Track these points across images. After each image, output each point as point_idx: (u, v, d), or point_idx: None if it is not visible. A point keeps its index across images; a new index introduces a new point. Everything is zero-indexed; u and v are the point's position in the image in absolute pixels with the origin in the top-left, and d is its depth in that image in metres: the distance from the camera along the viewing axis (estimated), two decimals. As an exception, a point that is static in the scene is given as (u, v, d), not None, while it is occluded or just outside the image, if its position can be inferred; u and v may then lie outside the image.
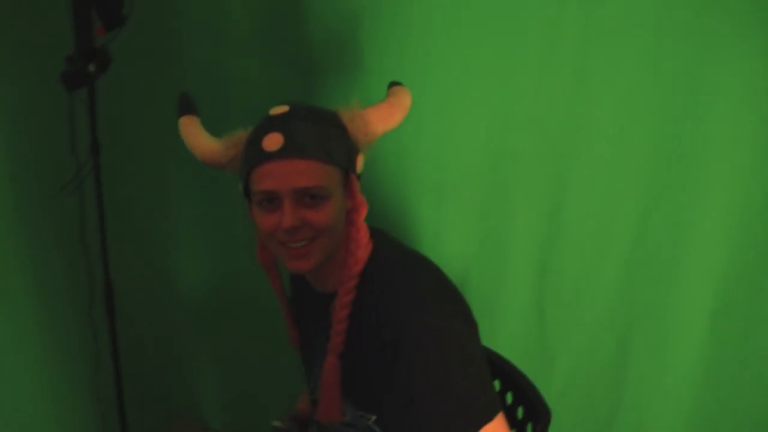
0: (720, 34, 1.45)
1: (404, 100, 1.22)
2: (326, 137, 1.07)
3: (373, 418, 1.15)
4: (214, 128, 1.92)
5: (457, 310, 1.12)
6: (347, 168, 1.11)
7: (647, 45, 1.51)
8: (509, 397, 1.39)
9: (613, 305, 1.74)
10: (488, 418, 1.02)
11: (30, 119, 1.84)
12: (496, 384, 1.41)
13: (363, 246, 1.14)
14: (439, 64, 1.66)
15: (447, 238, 1.78)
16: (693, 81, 1.50)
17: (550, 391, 1.39)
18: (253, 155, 1.08)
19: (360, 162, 1.14)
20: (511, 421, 1.36)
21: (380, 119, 1.16)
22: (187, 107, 1.27)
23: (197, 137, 1.22)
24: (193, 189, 2.06)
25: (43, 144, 1.87)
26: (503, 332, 1.79)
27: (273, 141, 1.05)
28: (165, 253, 2.15)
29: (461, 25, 1.61)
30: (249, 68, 1.87)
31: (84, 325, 1.98)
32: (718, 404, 1.73)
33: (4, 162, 1.81)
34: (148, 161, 2.03)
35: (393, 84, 1.27)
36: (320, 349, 1.21)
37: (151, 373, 2.24)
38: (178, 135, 1.98)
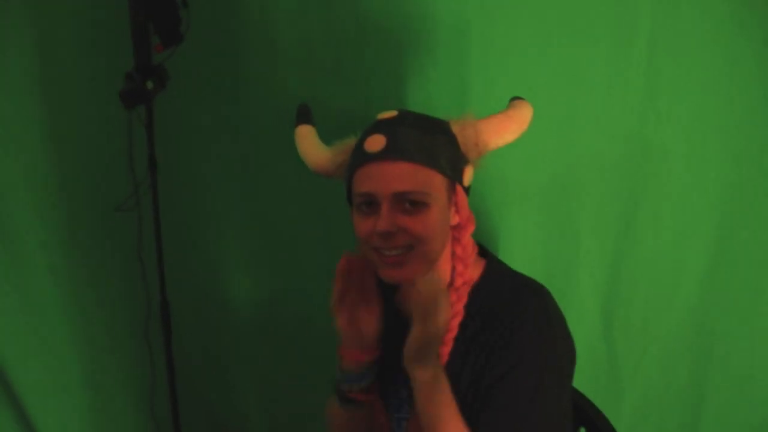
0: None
1: (523, 113, 1.16)
2: (432, 143, 1.04)
3: None
4: (267, 144, 1.92)
5: (566, 337, 1.08)
6: (452, 177, 1.06)
7: (723, 40, 1.41)
8: (581, 432, 1.30)
9: (688, 332, 1.63)
10: None
11: (89, 136, 1.85)
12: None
13: (470, 265, 1.09)
14: (504, 75, 1.60)
15: (510, 257, 1.70)
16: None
17: (619, 423, 1.29)
18: (356, 157, 1.06)
19: (469, 174, 1.09)
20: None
21: (493, 130, 1.11)
22: (304, 117, 1.27)
23: (310, 146, 1.22)
24: (248, 207, 2.05)
25: (102, 161, 1.89)
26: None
27: (375, 142, 1.03)
28: (218, 272, 2.13)
29: (526, 36, 1.55)
30: (306, 89, 1.84)
31: (141, 344, 1.97)
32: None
33: (64, 178, 1.84)
34: (204, 179, 2.03)
35: (514, 98, 1.20)
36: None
37: (202, 393, 2.22)
38: (233, 152, 2.00)
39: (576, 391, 1.33)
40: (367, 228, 1.04)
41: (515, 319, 1.03)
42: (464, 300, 1.08)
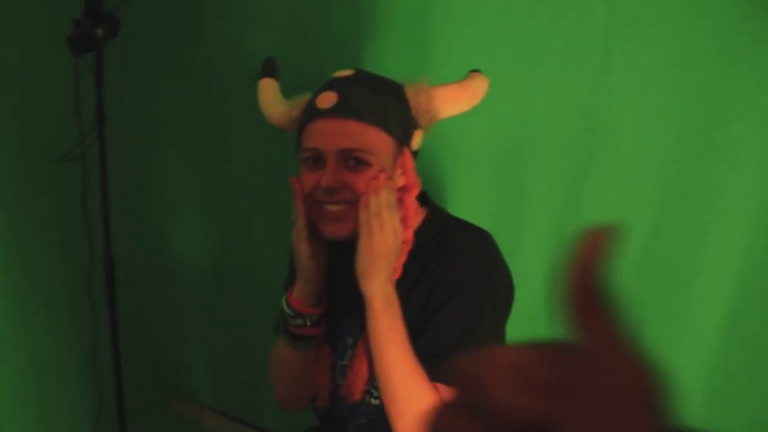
0: (754, 23, 1.39)
1: (478, 86, 1.16)
2: (383, 105, 1.04)
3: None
4: (220, 100, 1.89)
5: (505, 274, 1.12)
6: (401, 140, 1.06)
7: (678, 23, 1.45)
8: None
9: (626, 298, 1.69)
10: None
11: (35, 83, 1.80)
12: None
13: (411, 226, 1.10)
14: (462, 42, 1.61)
15: (459, 210, 1.73)
16: (723, 69, 1.44)
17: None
18: (307, 112, 1.07)
19: (417, 139, 1.10)
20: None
21: (446, 99, 1.12)
22: (269, 70, 1.26)
23: (269, 100, 1.21)
24: (198, 163, 2.02)
25: (47, 110, 1.83)
26: (512, 314, 1.75)
27: (327, 99, 1.04)
28: (165, 228, 2.11)
29: (486, 6, 1.56)
30: (264, 44, 1.81)
31: (82, 298, 1.94)
32: (729, 406, 1.67)
33: (7, 126, 1.77)
34: (152, 133, 1.99)
35: (473, 71, 1.20)
36: (355, 324, 1.15)
37: (148, 349, 2.21)
38: (184, 108, 1.96)
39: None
40: (312, 181, 1.05)
41: (455, 256, 1.06)
42: (404, 259, 1.09)
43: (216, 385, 2.28)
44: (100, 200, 1.76)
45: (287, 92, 1.22)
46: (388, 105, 1.05)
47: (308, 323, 1.12)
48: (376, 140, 1.03)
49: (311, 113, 1.06)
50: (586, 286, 0.32)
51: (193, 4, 1.82)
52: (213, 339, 2.22)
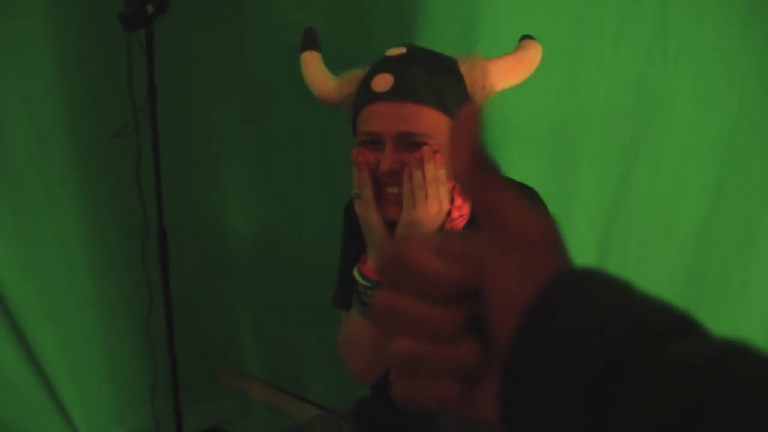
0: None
1: (532, 55, 1.15)
2: (439, 84, 1.02)
3: None
4: (269, 74, 1.90)
5: None
6: None
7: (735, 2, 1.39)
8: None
9: (679, 280, 1.63)
10: None
11: (87, 60, 1.83)
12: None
13: (461, 205, 1.07)
14: (512, 10, 1.58)
15: None
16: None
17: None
18: (362, 95, 1.06)
19: None
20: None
21: (501, 72, 1.10)
22: (310, 43, 1.25)
23: (316, 74, 1.20)
24: (247, 137, 2.04)
25: (100, 86, 1.87)
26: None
27: (383, 82, 1.02)
28: (217, 201, 2.14)
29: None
30: (309, 19, 1.81)
31: (138, 270, 1.98)
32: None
33: (62, 102, 1.82)
34: (204, 107, 2.01)
35: (524, 37, 1.19)
36: None
37: (200, 321, 2.25)
38: (233, 81, 1.97)
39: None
40: (371, 161, 1.04)
41: None
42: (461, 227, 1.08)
43: (265, 358, 2.31)
44: (154, 176, 1.79)
45: (332, 67, 1.21)
46: (444, 84, 1.03)
47: None
48: (433, 122, 1.02)
49: (367, 96, 1.04)
50: (473, 160, 0.36)
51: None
52: (262, 312, 2.25)
